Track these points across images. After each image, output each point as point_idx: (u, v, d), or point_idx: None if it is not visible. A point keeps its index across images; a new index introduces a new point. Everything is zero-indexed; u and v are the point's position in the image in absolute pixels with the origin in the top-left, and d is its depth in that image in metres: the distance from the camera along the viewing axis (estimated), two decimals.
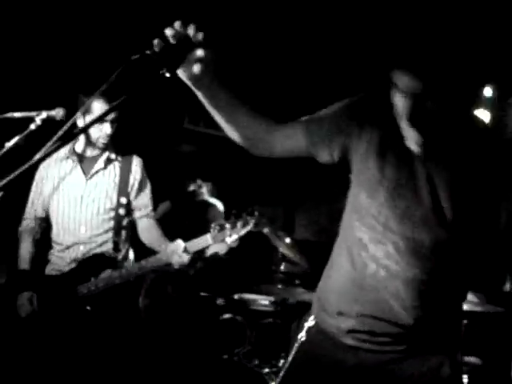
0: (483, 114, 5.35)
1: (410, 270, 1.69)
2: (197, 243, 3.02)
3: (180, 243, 3.03)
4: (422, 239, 1.68)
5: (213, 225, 2.99)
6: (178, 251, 3.02)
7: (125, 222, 3.31)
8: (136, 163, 3.36)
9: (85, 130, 1.57)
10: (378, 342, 1.75)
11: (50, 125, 2.60)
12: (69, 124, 1.53)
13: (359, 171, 1.78)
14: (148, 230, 3.36)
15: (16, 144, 2.52)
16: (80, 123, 3.20)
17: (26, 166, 1.33)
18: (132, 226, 3.37)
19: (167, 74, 1.48)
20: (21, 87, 4.66)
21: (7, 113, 2.66)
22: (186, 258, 3.01)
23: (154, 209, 3.47)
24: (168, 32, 1.49)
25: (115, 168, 3.32)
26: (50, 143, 1.42)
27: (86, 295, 3.08)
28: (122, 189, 3.28)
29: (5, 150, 2.49)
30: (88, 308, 3.06)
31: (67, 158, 3.31)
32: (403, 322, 1.71)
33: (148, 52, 1.50)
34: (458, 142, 1.66)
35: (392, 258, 1.71)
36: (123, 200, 3.27)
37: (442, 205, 1.66)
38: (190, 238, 3.02)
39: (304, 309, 3.67)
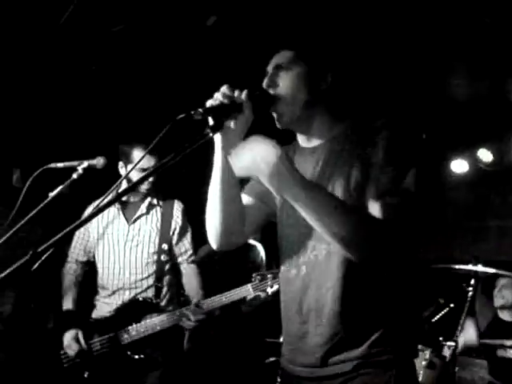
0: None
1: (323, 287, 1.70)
2: (237, 293, 3.03)
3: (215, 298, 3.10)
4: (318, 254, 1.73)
5: (254, 274, 3.03)
6: (215, 300, 3.10)
7: (167, 267, 3.34)
8: (177, 208, 3.25)
9: (136, 184, 1.62)
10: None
11: (91, 173, 2.67)
12: (118, 183, 1.59)
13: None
14: (187, 277, 3.40)
15: (59, 193, 2.58)
16: (122, 172, 3.20)
17: (80, 221, 1.37)
18: (176, 271, 3.42)
19: (211, 135, 1.55)
20: (62, 139, 4.81)
21: (50, 163, 2.74)
22: (218, 312, 3.12)
23: (195, 252, 3.49)
24: (216, 95, 1.63)
25: (157, 213, 3.20)
26: (100, 200, 1.47)
27: (127, 340, 3.11)
28: (164, 234, 3.17)
29: (49, 199, 2.55)
30: (129, 353, 3.06)
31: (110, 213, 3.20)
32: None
33: (193, 112, 1.57)
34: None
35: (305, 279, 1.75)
36: (165, 246, 3.20)
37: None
38: (229, 280, 3.03)
39: None
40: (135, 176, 3.18)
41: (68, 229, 1.37)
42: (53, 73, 4.30)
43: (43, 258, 1.35)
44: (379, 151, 1.65)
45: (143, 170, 3.13)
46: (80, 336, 3.15)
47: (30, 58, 4.14)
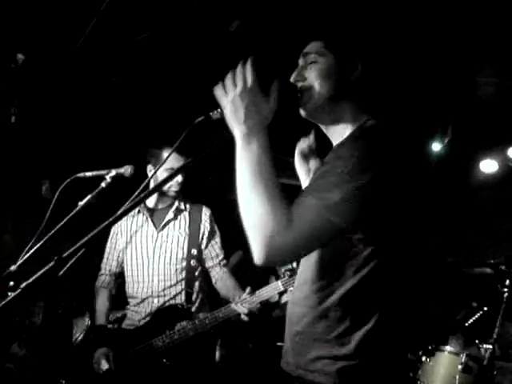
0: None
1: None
2: (268, 290, 2.99)
3: (248, 292, 3.03)
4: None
5: (282, 270, 2.98)
6: (247, 300, 3.01)
7: (197, 272, 3.31)
8: (205, 212, 3.25)
9: (163, 183, 1.61)
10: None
11: (119, 182, 2.67)
12: (145, 182, 1.58)
13: None
14: (221, 280, 3.34)
15: (88, 202, 2.59)
16: (151, 174, 3.30)
17: (105, 223, 1.36)
18: (206, 276, 3.39)
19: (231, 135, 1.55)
20: (90, 148, 4.85)
21: (79, 173, 2.75)
22: (254, 307, 3.00)
23: (226, 259, 3.44)
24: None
25: (185, 218, 3.19)
26: (128, 201, 1.47)
27: (161, 348, 3.09)
28: (193, 239, 3.17)
29: (78, 208, 2.56)
30: (165, 361, 3.05)
31: (138, 212, 3.15)
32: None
33: (211, 113, 1.57)
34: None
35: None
36: (194, 251, 3.20)
37: None
38: (261, 286, 3.00)
39: None
40: (163, 176, 3.16)
41: (93, 233, 1.36)
42: (79, 83, 4.34)
43: (69, 264, 1.34)
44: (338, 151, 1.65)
45: (172, 170, 3.13)
46: (110, 356, 3.11)
47: (55, 70, 4.19)
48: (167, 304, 3.19)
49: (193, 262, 3.26)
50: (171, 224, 3.31)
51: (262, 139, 1.57)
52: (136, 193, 1.61)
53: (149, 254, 3.27)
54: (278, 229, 1.47)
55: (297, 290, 1.80)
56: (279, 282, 2.98)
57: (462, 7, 3.74)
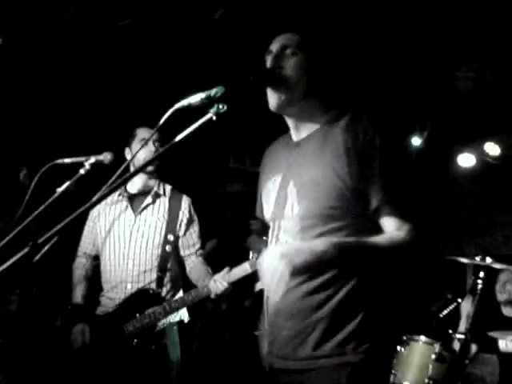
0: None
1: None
2: (236, 272, 2.99)
3: (226, 271, 3.04)
4: None
5: (251, 252, 2.99)
6: (216, 279, 3.02)
7: (171, 259, 3.30)
8: (185, 201, 3.25)
9: (145, 166, 1.62)
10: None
11: (99, 169, 2.66)
12: (123, 167, 1.58)
13: None
14: (196, 267, 3.35)
15: (67, 189, 2.57)
16: (128, 156, 3.22)
17: (82, 209, 1.36)
18: (181, 264, 3.38)
19: (214, 118, 1.55)
20: (69, 135, 4.81)
21: (57, 159, 2.73)
22: (222, 286, 2.99)
23: (202, 248, 3.45)
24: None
25: (164, 203, 3.19)
26: (105, 186, 1.46)
27: (132, 332, 3.10)
28: (170, 225, 3.16)
29: (56, 194, 2.53)
30: (134, 343, 3.06)
31: (119, 195, 3.16)
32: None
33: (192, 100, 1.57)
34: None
35: None
36: (170, 237, 3.24)
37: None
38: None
39: None
40: (141, 155, 3.16)
41: (69, 219, 1.35)
42: (58, 69, 4.31)
43: (45, 250, 1.34)
44: (372, 155, 1.70)
45: (144, 140, 3.19)
46: (86, 331, 3.17)
47: (34, 55, 4.13)
48: (139, 289, 3.19)
49: (168, 248, 3.25)
50: (150, 208, 3.30)
51: (337, 244, 1.62)
52: (113, 177, 1.60)
53: (126, 237, 3.26)
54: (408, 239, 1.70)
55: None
56: (246, 264, 2.97)
57: (440, 3, 3.77)
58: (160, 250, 3.24)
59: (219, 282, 3.00)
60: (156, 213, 3.30)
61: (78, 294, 3.36)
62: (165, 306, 3.10)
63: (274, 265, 1.55)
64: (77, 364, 3.16)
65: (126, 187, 3.35)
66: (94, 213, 3.39)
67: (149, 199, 3.31)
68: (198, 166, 5.34)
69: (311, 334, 1.73)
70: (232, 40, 3.98)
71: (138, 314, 3.11)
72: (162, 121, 1.61)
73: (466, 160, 5.80)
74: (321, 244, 1.60)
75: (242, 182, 5.83)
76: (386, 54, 4.30)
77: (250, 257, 2.98)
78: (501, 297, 4.49)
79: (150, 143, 3.22)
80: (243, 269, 2.99)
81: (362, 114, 1.79)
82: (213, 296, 3.06)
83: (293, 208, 1.80)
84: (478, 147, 5.69)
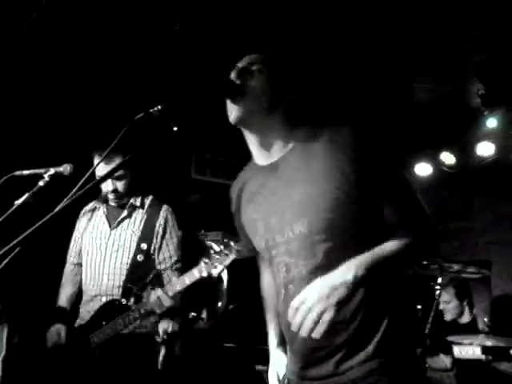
0: (486, 147, 5.36)
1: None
2: (183, 280, 2.89)
3: (159, 290, 2.94)
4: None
5: (201, 259, 2.94)
6: (159, 294, 2.91)
7: (142, 268, 3.15)
8: (164, 211, 3.17)
9: (82, 192, 1.59)
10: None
11: (58, 181, 2.63)
12: (83, 180, 1.56)
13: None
14: (170, 282, 3.16)
15: (25, 201, 2.52)
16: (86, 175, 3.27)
17: (41, 222, 1.35)
18: (158, 277, 3.23)
19: (175, 128, 1.54)
20: (28, 145, 4.73)
21: (16, 171, 2.68)
22: (166, 302, 2.89)
23: (182, 262, 3.26)
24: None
25: (141, 215, 3.13)
26: (64, 200, 1.45)
27: (97, 343, 3.07)
28: (145, 235, 3.08)
29: (14, 207, 2.49)
30: (97, 352, 3.04)
31: (96, 207, 3.15)
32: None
33: (151, 110, 1.57)
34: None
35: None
36: (143, 246, 3.08)
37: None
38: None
39: None
40: (104, 186, 3.14)
41: (26, 233, 1.34)
42: (16, 80, 4.23)
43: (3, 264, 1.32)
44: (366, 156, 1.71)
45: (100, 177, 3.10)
46: (62, 331, 3.15)
47: None
48: (109, 301, 3.12)
49: (140, 257, 3.12)
50: (125, 222, 3.23)
51: (362, 264, 1.62)
52: (73, 191, 1.58)
53: (101, 251, 3.22)
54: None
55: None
56: (195, 269, 2.81)
57: (398, 17, 3.86)
58: (130, 259, 3.15)
59: (162, 297, 2.89)
60: (131, 226, 3.21)
61: (62, 296, 3.37)
62: (124, 318, 3.03)
63: (315, 310, 1.52)
64: (49, 363, 3.16)
65: (106, 199, 3.29)
66: (80, 222, 3.36)
67: (124, 212, 3.24)
68: (159, 177, 5.32)
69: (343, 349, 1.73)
70: (192, 51, 3.99)
71: (104, 323, 3.08)
72: (110, 147, 1.60)
73: (423, 169, 5.95)
74: (348, 270, 1.58)
75: (202, 192, 5.83)
76: (341, 64, 4.37)
77: (199, 263, 2.88)
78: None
79: (109, 180, 3.13)
80: (190, 275, 2.85)
81: (346, 125, 1.78)
82: (158, 311, 2.93)
83: (293, 229, 1.76)
84: (435, 157, 5.84)
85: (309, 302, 1.54)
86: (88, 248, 3.28)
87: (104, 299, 3.15)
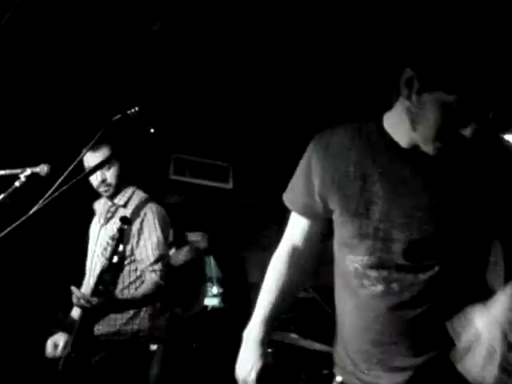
0: None
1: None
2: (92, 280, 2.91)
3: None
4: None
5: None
6: (72, 291, 2.82)
7: (116, 270, 2.92)
8: (148, 210, 3.08)
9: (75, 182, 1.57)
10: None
11: (34, 181, 2.60)
12: (61, 179, 1.55)
13: (340, 206, 1.74)
14: (144, 285, 3.08)
15: (1, 202, 2.49)
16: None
17: (18, 222, 1.35)
18: (138, 279, 3.15)
19: (152, 130, 1.54)
20: (4, 145, 4.67)
21: None
22: (78, 294, 2.78)
23: (160, 261, 3.09)
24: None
25: (124, 214, 3.03)
26: (42, 200, 1.45)
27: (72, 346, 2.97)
28: (125, 237, 2.92)
29: None
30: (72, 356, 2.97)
31: (97, 210, 3.18)
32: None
33: (129, 112, 1.56)
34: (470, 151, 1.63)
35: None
36: (120, 247, 2.86)
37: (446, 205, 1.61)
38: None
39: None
40: (93, 178, 3.13)
41: (2, 233, 1.33)
42: None
43: None
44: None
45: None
46: (61, 342, 3.12)
47: None
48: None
49: (115, 259, 2.90)
50: (111, 222, 3.18)
51: None
52: (50, 191, 1.57)
53: (91, 255, 3.22)
54: None
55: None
56: None
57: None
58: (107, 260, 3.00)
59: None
60: (114, 226, 3.06)
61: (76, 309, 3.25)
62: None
63: (493, 347, 1.43)
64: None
65: (104, 200, 3.28)
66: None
67: (110, 213, 3.22)
68: (137, 178, 5.28)
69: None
70: (171, 51, 3.98)
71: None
72: (88, 147, 1.58)
73: None
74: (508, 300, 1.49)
75: (181, 193, 5.82)
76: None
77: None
78: None
79: (98, 172, 3.11)
80: None
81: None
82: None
83: (420, 231, 1.60)
84: None
85: (496, 342, 1.44)
86: (88, 254, 3.27)
87: None
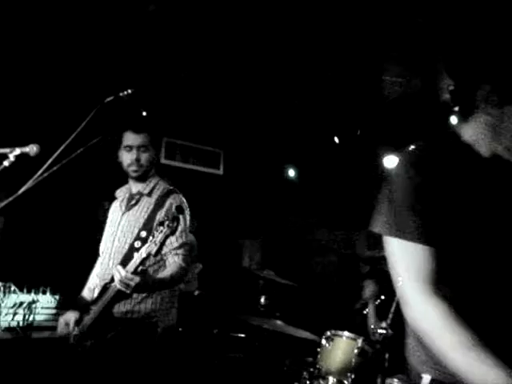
0: None
1: None
2: (137, 256, 2.90)
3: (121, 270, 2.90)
4: None
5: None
6: (118, 270, 2.87)
7: (138, 256, 2.95)
8: (173, 199, 3.14)
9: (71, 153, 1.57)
10: None
11: (23, 161, 2.58)
12: (51, 160, 1.54)
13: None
14: (168, 266, 3.18)
15: None
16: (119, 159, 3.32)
17: (4, 203, 1.35)
18: (159, 264, 3.21)
19: (144, 113, 1.54)
20: None
21: None
22: (123, 273, 2.83)
23: (185, 247, 3.21)
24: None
25: (148, 203, 3.14)
26: (31, 180, 1.44)
27: (87, 325, 3.08)
28: (147, 224, 3.04)
29: None
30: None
31: (119, 197, 3.23)
32: None
33: (121, 94, 1.55)
34: None
35: None
36: (143, 233, 3.01)
37: None
38: None
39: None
40: (123, 156, 3.23)
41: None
42: None
43: None
44: None
45: (128, 146, 3.19)
46: (72, 321, 3.13)
47: None
48: (102, 286, 3.11)
49: (136, 244, 2.98)
50: (134, 209, 3.24)
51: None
52: (39, 172, 1.57)
53: (111, 236, 3.26)
54: None
55: None
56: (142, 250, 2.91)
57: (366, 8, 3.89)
58: (128, 245, 3.09)
59: (120, 272, 2.85)
60: (138, 213, 3.20)
61: (86, 286, 3.41)
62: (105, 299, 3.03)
63: None
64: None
65: (127, 186, 3.37)
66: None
67: (133, 200, 3.27)
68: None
69: None
70: (165, 34, 3.96)
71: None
72: (84, 123, 1.58)
73: (392, 162, 6.03)
74: None
75: (171, 178, 5.82)
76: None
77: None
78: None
79: (134, 149, 3.20)
80: (139, 255, 2.89)
81: None
82: (119, 286, 2.86)
83: None
84: (404, 149, 5.90)
85: None
86: (105, 236, 3.34)
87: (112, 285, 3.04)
